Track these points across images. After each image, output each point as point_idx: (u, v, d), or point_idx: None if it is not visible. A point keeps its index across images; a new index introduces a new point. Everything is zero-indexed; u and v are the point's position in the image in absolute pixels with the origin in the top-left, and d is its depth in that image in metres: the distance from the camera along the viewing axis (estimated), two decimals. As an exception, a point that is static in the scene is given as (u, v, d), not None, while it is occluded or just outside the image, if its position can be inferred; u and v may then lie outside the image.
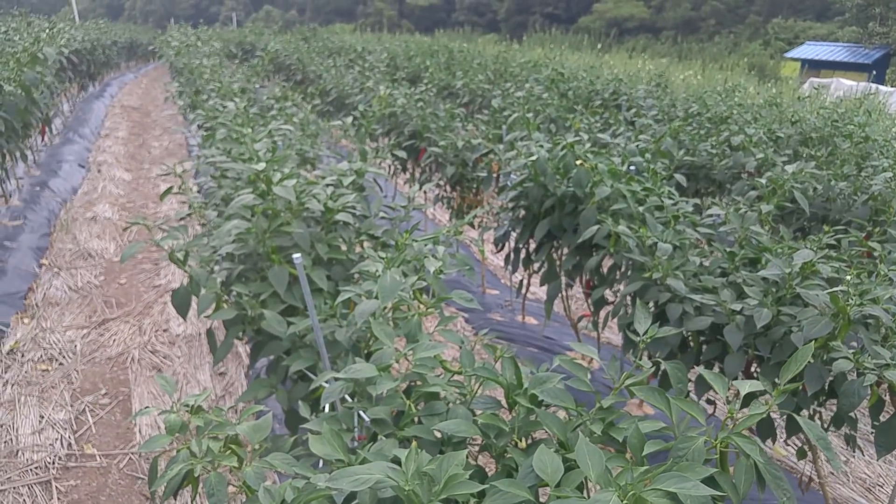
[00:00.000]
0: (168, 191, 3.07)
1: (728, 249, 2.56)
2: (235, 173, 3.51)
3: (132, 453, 3.31)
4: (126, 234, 6.27)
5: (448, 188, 5.07)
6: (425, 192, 5.79)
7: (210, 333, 2.59)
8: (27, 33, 9.04)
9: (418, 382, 1.71)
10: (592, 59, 15.95)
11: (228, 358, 4.07)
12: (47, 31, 9.60)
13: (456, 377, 1.77)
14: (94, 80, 15.09)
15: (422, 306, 2.28)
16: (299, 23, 56.28)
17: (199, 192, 5.28)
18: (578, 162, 3.01)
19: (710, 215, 2.93)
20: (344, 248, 2.79)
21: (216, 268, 2.60)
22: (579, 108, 5.96)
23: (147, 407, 1.76)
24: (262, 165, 2.50)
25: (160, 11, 66.28)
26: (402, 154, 3.68)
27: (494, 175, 4.39)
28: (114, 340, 4.36)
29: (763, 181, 3.33)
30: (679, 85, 11.63)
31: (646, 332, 1.53)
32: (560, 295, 3.51)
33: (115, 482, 3.09)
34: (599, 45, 22.90)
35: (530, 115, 4.56)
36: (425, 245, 2.37)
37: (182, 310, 2.46)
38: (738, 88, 7.75)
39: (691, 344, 2.52)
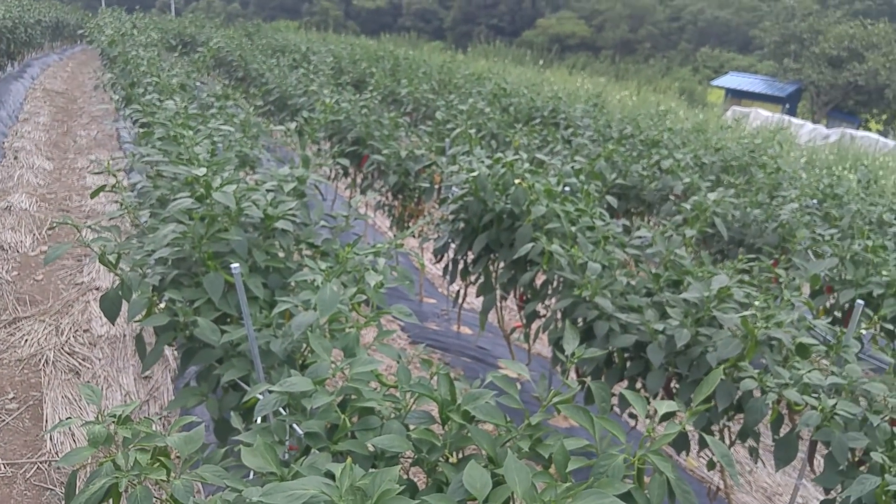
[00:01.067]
0: (101, 188, 2.98)
1: (653, 271, 2.70)
2: (172, 174, 3.44)
3: (41, 462, 3.17)
4: (45, 227, 5.98)
5: (390, 196, 5.10)
6: (366, 200, 5.79)
7: (139, 339, 2.52)
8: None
9: (354, 396, 1.73)
10: (534, 74, 16.29)
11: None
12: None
13: (391, 391, 1.80)
14: (14, 59, 14.31)
15: (360, 318, 2.31)
16: (242, 16, 54.93)
17: (132, 190, 5.11)
18: (517, 181, 3.10)
19: (639, 237, 3.08)
20: (282, 255, 2.78)
21: (149, 272, 2.54)
22: (520, 126, 6.11)
23: (69, 418, 1.71)
24: (202, 171, 2.47)
25: (92, -8, 63.42)
26: (346, 162, 3.68)
27: (436, 186, 4.45)
28: (25, 341, 4.15)
29: (688, 206, 3.52)
30: (615, 105, 12.05)
31: (573, 353, 1.61)
32: (494, 307, 3.60)
33: (21, 493, 2.95)
34: (542, 62, 23.42)
35: (473, 130, 4.64)
36: (366, 257, 2.39)
37: (111, 314, 2.40)
38: (670, 113, 8.10)
39: (616, 360, 2.64)
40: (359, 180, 5.66)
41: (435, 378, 1.67)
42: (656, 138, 5.67)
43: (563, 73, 22.48)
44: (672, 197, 4.65)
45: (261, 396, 1.72)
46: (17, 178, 7.18)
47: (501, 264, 3.52)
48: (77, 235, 2.52)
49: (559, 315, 2.92)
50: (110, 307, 2.39)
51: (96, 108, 12.20)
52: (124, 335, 4.27)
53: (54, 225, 5.13)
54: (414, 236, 5.10)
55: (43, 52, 19.01)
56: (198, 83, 6.19)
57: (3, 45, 11.83)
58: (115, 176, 3.04)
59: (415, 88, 8.24)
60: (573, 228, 3.00)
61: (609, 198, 3.58)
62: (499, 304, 3.62)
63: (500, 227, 3.42)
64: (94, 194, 2.98)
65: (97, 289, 4.87)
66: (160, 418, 3.53)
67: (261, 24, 20.42)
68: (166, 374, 3.87)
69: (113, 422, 1.59)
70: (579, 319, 2.69)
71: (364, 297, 2.20)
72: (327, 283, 2.10)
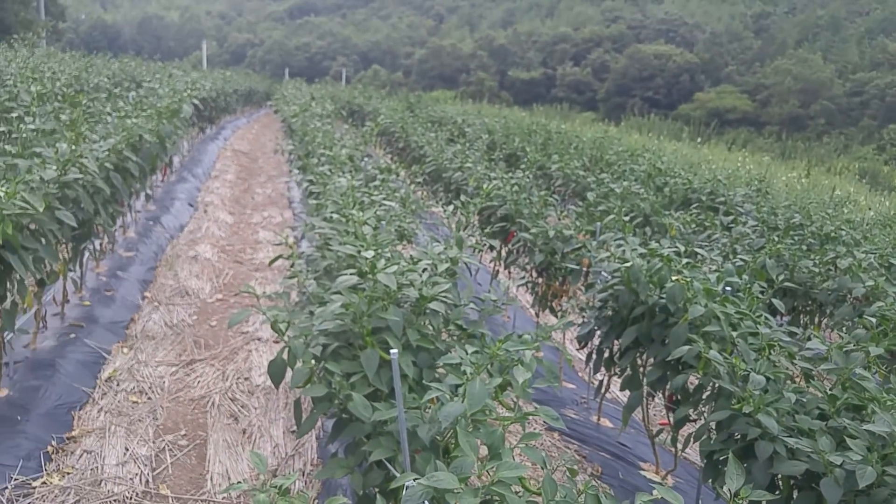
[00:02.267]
0: (277, 257, 3.27)
1: (829, 391, 2.46)
2: (337, 242, 3.71)
3: (202, 500, 3.43)
4: (222, 277, 6.63)
5: (534, 273, 5.11)
6: (509, 272, 5.85)
7: (297, 404, 2.70)
8: (168, 85, 9.96)
9: (497, 500, 1.73)
10: (691, 151, 15.81)
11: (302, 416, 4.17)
12: (186, 84, 10.55)
13: (535, 497, 1.78)
14: (213, 123, 16.31)
15: (504, 410, 2.32)
16: (404, 84, 59.00)
17: (300, 255, 5.56)
18: (674, 278, 3.00)
19: (810, 349, 2.83)
20: (432, 334, 2.87)
21: (312, 341, 2.73)
22: (674, 209, 5.93)
23: (238, 482, 1.85)
24: (370, 253, 2.64)
25: (277, 61, 71.27)
26: (495, 243, 3.77)
27: (584, 270, 4.40)
28: (198, 382, 4.57)
29: (873, 320, 3.19)
30: (781, 187, 11.34)
31: (738, 493, 1.50)
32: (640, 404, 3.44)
33: (184, 528, 3.20)
34: (699, 138, 22.67)
35: (626, 217, 4.58)
36: (513, 346, 2.41)
37: (276, 379, 2.59)
38: (848, 200, 7.47)
39: (781, 487, 2.41)
40: (503, 253, 5.75)
41: (583, 497, 1.62)
42: (831, 234, 5.23)
43: (722, 149, 21.61)
44: (850, 299, 4.24)
45: (408, 485, 1.77)
46: (205, 229, 8.08)
47: (650, 360, 3.38)
48: (249, 288, 2.78)
49: (713, 425, 2.73)
50: (277, 372, 2.59)
51: (271, 164, 13.54)
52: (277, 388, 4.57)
53: (242, 291, 5.65)
54: (555, 315, 5.05)
55: (235, 116, 21.51)
56: (365, 156, 6.69)
57: (206, 112, 13.56)
58: (291, 248, 3.32)
59: (565, 164, 8.31)
60: (734, 333, 2.82)
61: (776, 302, 3.34)
62: (645, 400, 3.46)
63: (651, 321, 3.30)
64: (271, 262, 3.28)
65: (259, 339, 5.28)
66: (302, 473, 3.71)
67: (421, 95, 21.78)
68: (312, 431, 4.07)
69: (276, 492, 1.71)
70: (737, 435, 2.50)
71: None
72: (476, 375, 2.14)
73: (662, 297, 3.19)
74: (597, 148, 10.38)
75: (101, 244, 6.14)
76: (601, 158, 9.54)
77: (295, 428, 4.03)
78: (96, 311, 5.30)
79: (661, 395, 3.46)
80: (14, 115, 5.16)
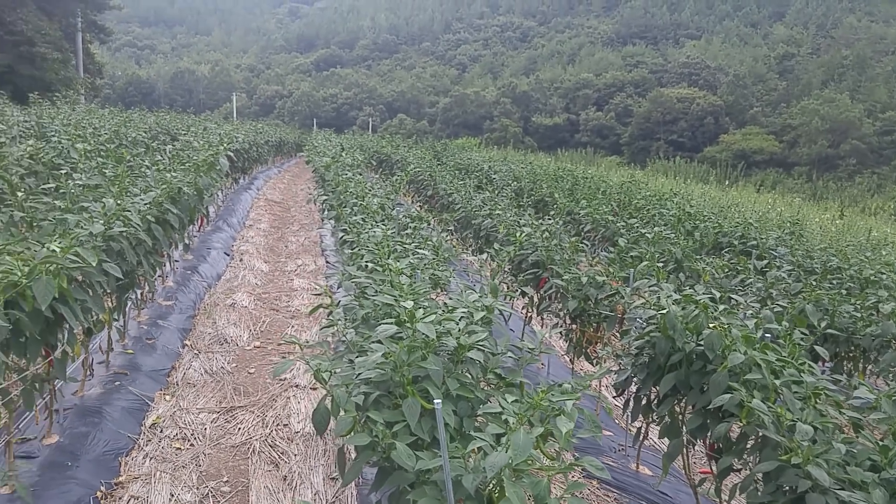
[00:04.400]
0: (317, 307, 3.36)
1: (880, 442, 2.43)
2: (373, 291, 3.79)
3: (243, 549, 3.45)
4: (259, 324, 6.74)
5: (567, 320, 5.12)
6: (542, 318, 5.86)
7: (340, 453, 2.73)
8: (203, 138, 10.33)
9: (546, 550, 1.73)
10: (718, 193, 15.75)
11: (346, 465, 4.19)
12: (219, 137, 10.93)
13: (582, 548, 1.78)
14: (246, 173, 16.76)
15: (545, 459, 2.33)
16: (429, 132, 60.07)
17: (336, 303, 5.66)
18: (712, 325, 3.01)
19: (858, 397, 2.80)
20: (470, 380, 2.91)
21: (354, 390, 2.78)
22: (705, 253, 5.92)
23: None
24: (410, 303, 2.71)
25: (305, 112, 73.25)
26: (530, 291, 3.81)
27: (619, 316, 4.41)
28: (239, 429, 4.63)
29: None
30: (815, 229, 11.21)
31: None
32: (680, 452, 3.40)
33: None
34: (727, 181, 22.57)
35: (660, 263, 4.59)
36: (556, 396, 2.43)
37: (321, 427, 2.64)
38: (886, 242, 7.36)
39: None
40: (535, 299, 5.77)
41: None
42: (871, 277, 5.16)
43: (751, 190, 21.48)
44: (895, 344, 4.17)
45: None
46: (241, 278, 8.26)
47: (690, 407, 3.35)
48: (292, 338, 2.84)
49: (759, 477, 2.69)
50: (321, 421, 2.64)
51: (303, 213, 13.82)
52: (316, 434, 4.60)
53: (284, 340, 5.73)
54: (591, 362, 5.03)
55: (266, 166, 22.09)
56: (397, 205, 6.83)
57: (239, 163, 13.98)
58: (330, 297, 3.41)
59: (594, 210, 8.37)
60: (776, 381, 2.80)
61: (819, 349, 3.31)
62: (685, 449, 3.42)
63: (689, 368, 3.29)
64: (311, 311, 3.36)
65: (297, 386, 5.34)
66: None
67: (447, 143, 22.16)
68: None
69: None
70: (786, 487, 2.46)
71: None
72: (520, 425, 2.16)
73: (700, 344, 3.19)
74: (624, 192, 10.43)
75: (142, 293, 6.31)
76: (629, 203, 9.59)
77: (335, 475, 4.05)
78: (139, 359, 5.43)
79: (701, 444, 3.42)
80: (63, 171, 5.40)
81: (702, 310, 3.20)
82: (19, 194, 4.37)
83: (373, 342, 2.86)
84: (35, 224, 4.34)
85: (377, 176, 10.07)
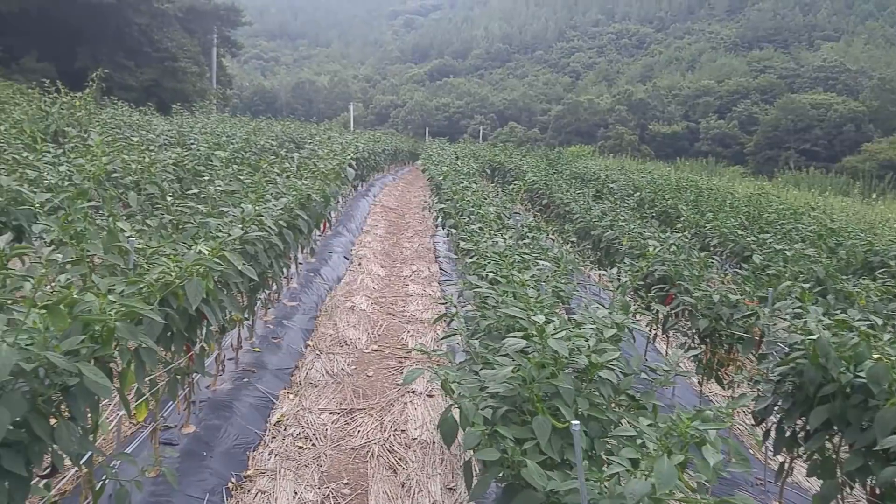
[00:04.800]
0: (441, 316, 3.36)
1: None
2: (494, 301, 3.75)
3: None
4: (377, 328, 6.90)
5: (696, 339, 4.84)
6: (668, 337, 5.58)
7: (467, 466, 2.71)
8: (326, 146, 10.79)
9: None
10: (863, 208, 14.41)
11: (458, 473, 4.18)
12: (341, 146, 11.39)
13: None
14: (364, 181, 17.33)
15: (688, 490, 2.17)
16: (540, 140, 59.67)
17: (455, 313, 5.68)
18: (875, 356, 2.71)
19: None
20: (601, 401, 2.79)
21: (481, 403, 2.75)
22: (852, 276, 5.41)
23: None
24: (541, 318, 2.64)
25: (418, 121, 74.97)
26: (663, 309, 3.63)
27: (756, 339, 4.11)
28: (358, 431, 4.73)
29: None
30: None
31: None
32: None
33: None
34: (874, 194, 20.63)
35: (806, 284, 4.24)
36: (701, 424, 2.27)
37: (448, 439, 2.62)
38: None
39: None
40: (661, 317, 5.51)
41: None
42: None
43: (899, 205, 19.55)
44: None
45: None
46: (359, 281, 8.51)
47: (847, 446, 3.04)
48: (421, 347, 2.85)
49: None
50: (448, 432, 2.62)
51: (416, 219, 14.08)
52: (434, 441, 4.61)
53: (411, 350, 5.83)
54: (722, 385, 4.73)
55: (382, 173, 22.75)
56: (513, 213, 6.77)
57: (359, 170, 14.48)
58: (455, 307, 3.39)
59: (721, 223, 7.91)
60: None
61: None
62: (841, 492, 3.11)
63: (846, 402, 2.99)
64: (435, 321, 3.37)
65: (413, 392, 5.40)
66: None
67: (561, 151, 21.84)
68: (467, 491, 4.05)
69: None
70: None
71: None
72: (663, 454, 2.03)
73: (860, 376, 2.89)
74: (753, 205, 9.79)
75: (269, 294, 6.63)
76: (759, 216, 8.98)
77: (452, 485, 4.04)
78: (265, 357, 5.69)
79: (860, 487, 3.09)
80: (205, 178, 5.78)
81: (862, 338, 2.90)
82: (169, 199, 4.72)
83: (500, 355, 2.81)
84: (180, 227, 4.66)
85: (492, 185, 10.06)
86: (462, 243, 5.00)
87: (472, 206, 6.34)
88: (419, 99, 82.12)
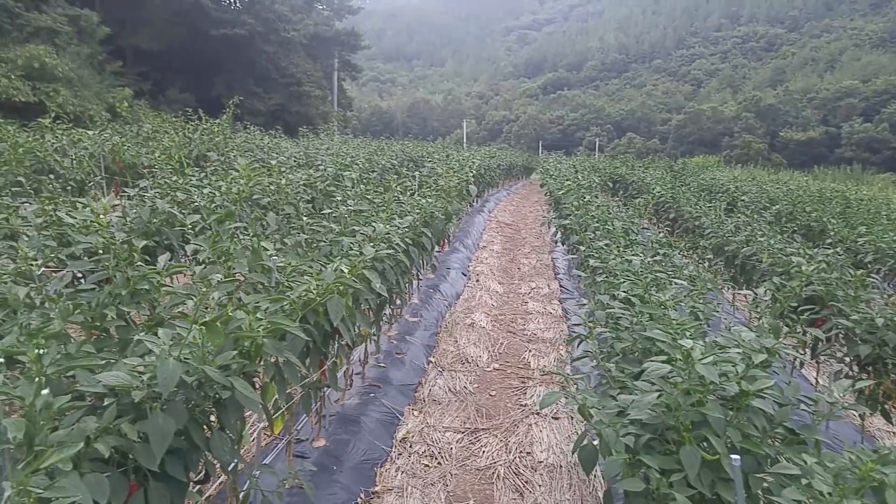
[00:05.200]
0: (575, 337, 3.24)
1: None
2: (628, 322, 3.58)
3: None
4: (497, 346, 6.84)
5: (855, 367, 4.39)
6: (818, 363, 5.11)
7: (607, 495, 2.57)
8: (445, 164, 10.96)
9: None
10: None
11: (587, 500, 4.01)
12: (459, 163, 11.52)
13: None
14: (479, 197, 17.43)
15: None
16: (660, 151, 57.54)
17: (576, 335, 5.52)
18: None
19: None
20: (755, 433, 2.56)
21: (621, 430, 2.61)
22: None
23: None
24: (688, 342, 2.47)
25: (531, 135, 74.72)
26: (818, 334, 3.30)
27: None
28: (483, 451, 4.68)
29: None
30: None
31: None
32: None
33: None
34: None
35: None
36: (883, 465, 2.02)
37: (587, 465, 2.51)
38: None
39: None
40: (808, 339, 5.04)
41: None
42: None
43: None
44: None
45: None
46: (478, 298, 8.51)
47: None
48: (558, 370, 2.76)
49: None
50: (588, 458, 2.51)
51: (533, 235, 13.93)
52: (561, 465, 4.47)
53: (546, 371, 5.74)
54: (890, 420, 4.23)
55: (496, 189, 22.81)
56: (641, 228, 6.50)
57: (475, 186, 14.58)
58: (590, 327, 3.27)
59: (877, 237, 7.17)
60: None
61: None
62: None
63: None
64: (568, 342, 3.25)
65: (538, 413, 5.28)
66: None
67: (686, 162, 20.87)
68: (597, 519, 3.88)
69: None
70: None
71: None
72: (842, 499, 1.82)
73: None
74: (913, 216, 8.81)
75: (393, 310, 6.76)
76: (922, 229, 8.05)
77: (581, 514, 3.88)
78: (390, 372, 5.79)
79: None
80: (337, 197, 6.00)
81: None
82: (304, 218, 4.93)
83: (642, 380, 2.66)
84: (314, 245, 4.85)
85: (617, 199, 9.75)
86: (591, 261, 4.84)
87: (598, 222, 6.15)
88: (532, 113, 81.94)
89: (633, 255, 4.52)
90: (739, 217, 7.45)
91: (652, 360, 2.72)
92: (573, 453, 2.68)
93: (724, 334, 3.23)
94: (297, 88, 37.64)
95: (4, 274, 3.47)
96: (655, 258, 5.19)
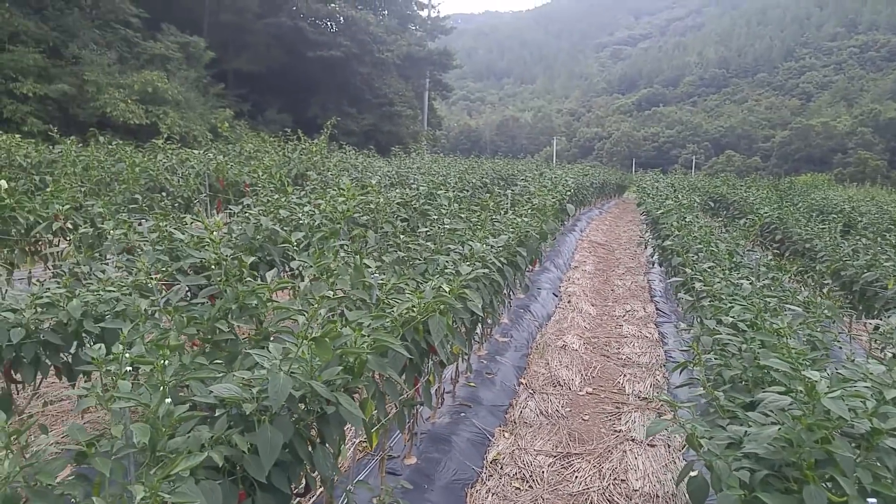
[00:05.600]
0: (682, 364, 3.10)
1: None
2: (736, 348, 3.38)
3: None
4: (590, 369, 6.67)
5: None
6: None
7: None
8: (538, 183, 10.88)
9: None
10: None
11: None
12: (552, 182, 11.41)
13: None
14: (571, 215, 17.16)
15: None
16: (762, 169, 54.73)
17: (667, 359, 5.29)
18: None
19: None
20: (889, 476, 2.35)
21: (734, 463, 2.45)
22: None
23: None
24: (815, 374, 2.30)
25: (624, 152, 73.13)
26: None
27: None
28: (575, 477, 4.55)
29: None
30: None
31: None
32: None
33: None
34: None
35: None
36: None
37: (697, 499, 2.38)
38: None
39: None
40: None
41: None
42: None
43: None
44: None
45: None
46: (570, 320, 8.34)
47: None
48: (665, 397, 2.64)
49: None
50: (697, 492, 2.38)
51: (628, 255, 13.54)
52: (658, 495, 4.27)
53: (642, 397, 5.57)
54: None
55: (588, 207, 22.41)
56: (747, 250, 6.17)
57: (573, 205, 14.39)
58: (697, 352, 3.12)
59: None
60: None
61: None
62: None
63: None
64: (675, 369, 3.11)
65: (633, 440, 5.09)
66: None
67: (792, 180, 19.73)
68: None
69: None
70: None
71: None
72: None
73: None
74: None
75: (483, 329, 6.73)
76: None
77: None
78: (480, 392, 5.75)
79: None
80: (433, 216, 6.07)
81: None
82: (402, 237, 5.02)
83: (757, 411, 2.50)
84: (409, 263, 4.92)
85: (719, 220, 9.32)
86: (697, 284, 4.63)
87: (700, 243, 5.89)
88: (625, 130, 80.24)
89: (740, 278, 4.28)
90: (859, 239, 6.91)
91: (767, 391, 2.55)
92: (677, 484, 2.56)
93: (848, 366, 2.98)
94: (390, 108, 38.61)
95: (124, 286, 3.73)
96: (764, 283, 4.91)
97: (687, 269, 5.21)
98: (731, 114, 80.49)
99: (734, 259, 5.76)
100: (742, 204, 12.43)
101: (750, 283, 4.03)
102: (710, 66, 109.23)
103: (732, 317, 3.54)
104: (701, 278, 4.67)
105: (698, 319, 4.09)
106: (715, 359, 3.39)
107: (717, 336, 3.49)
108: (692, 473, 2.55)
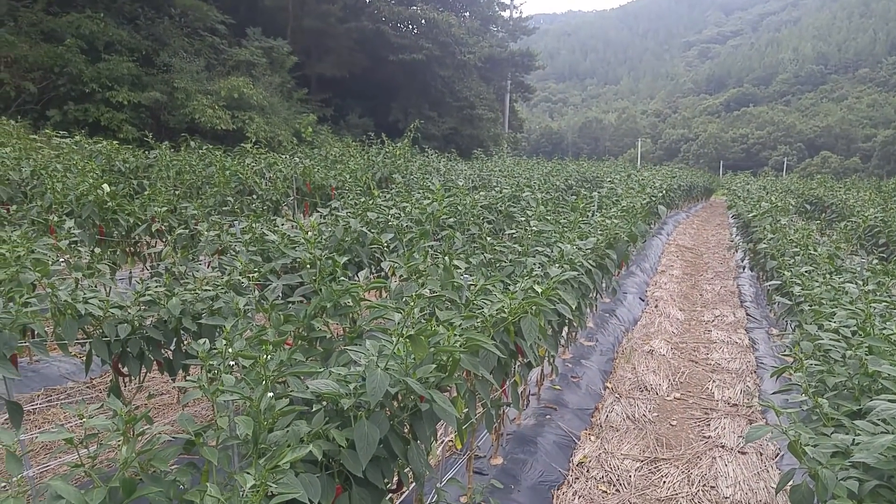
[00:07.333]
0: (782, 370, 3.00)
1: None
2: (840, 356, 3.23)
3: None
4: (678, 375, 6.50)
5: None
6: None
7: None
8: (626, 185, 10.69)
9: None
10: None
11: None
12: (640, 184, 11.18)
13: None
14: (658, 218, 16.72)
15: None
16: (861, 171, 51.31)
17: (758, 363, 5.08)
18: None
19: None
20: None
21: (840, 472, 2.36)
22: None
23: None
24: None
25: (711, 154, 70.32)
26: None
27: None
28: (663, 482, 4.46)
29: None
30: None
31: None
32: None
33: None
34: None
35: None
36: None
37: (800, 510, 2.31)
38: None
39: None
40: None
41: None
42: None
43: None
44: None
45: None
46: (657, 324, 8.15)
47: None
48: (768, 402, 2.56)
49: None
50: (801, 501, 2.31)
51: (716, 259, 13.05)
52: (748, 503, 4.14)
53: (733, 403, 5.41)
54: None
55: (675, 210, 21.74)
56: (848, 254, 5.85)
57: (653, 208, 14.03)
58: (799, 358, 3.01)
59: None
60: None
61: None
62: None
63: None
64: (774, 374, 3.02)
65: (722, 446, 4.94)
66: None
67: (898, 181, 18.42)
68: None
69: None
70: None
71: None
72: None
73: None
74: None
75: (569, 332, 6.69)
76: None
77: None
78: (565, 395, 5.73)
79: None
80: (520, 218, 6.09)
81: None
82: (488, 239, 5.08)
83: (867, 420, 2.39)
84: (496, 265, 4.96)
85: (816, 223, 8.86)
86: (796, 288, 4.44)
87: (797, 247, 5.64)
88: (713, 131, 77.21)
89: (843, 282, 4.08)
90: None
91: (877, 399, 2.44)
92: (777, 492, 2.48)
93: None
94: (470, 112, 38.63)
95: (219, 286, 3.96)
96: (871, 287, 4.65)
97: (784, 273, 5.00)
98: (829, 112, 75.92)
99: (834, 263, 5.49)
100: (841, 206, 11.69)
101: (857, 288, 3.83)
102: (806, 62, 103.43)
103: (836, 322, 3.38)
104: (799, 282, 4.48)
105: (796, 324, 3.93)
106: (817, 365, 3.25)
107: (819, 341, 3.35)
108: (795, 482, 2.47)
